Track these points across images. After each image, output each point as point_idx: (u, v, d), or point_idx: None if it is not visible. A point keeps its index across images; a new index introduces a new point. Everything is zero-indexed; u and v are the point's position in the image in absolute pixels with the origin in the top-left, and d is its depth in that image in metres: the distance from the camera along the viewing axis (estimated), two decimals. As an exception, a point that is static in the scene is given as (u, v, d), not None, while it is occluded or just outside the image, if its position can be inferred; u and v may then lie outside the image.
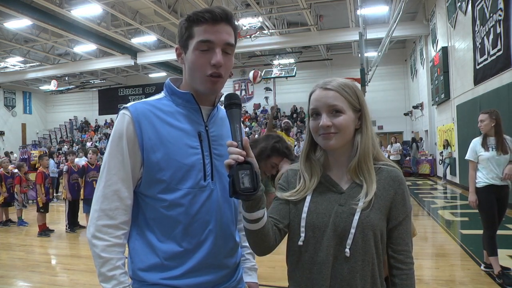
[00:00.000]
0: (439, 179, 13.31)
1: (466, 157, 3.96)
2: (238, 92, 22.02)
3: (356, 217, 1.05)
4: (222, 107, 1.26)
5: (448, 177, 12.44)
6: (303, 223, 1.09)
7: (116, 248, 1.10)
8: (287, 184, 1.18)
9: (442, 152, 13.04)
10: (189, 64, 1.14)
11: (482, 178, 3.81)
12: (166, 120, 1.14)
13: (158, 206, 1.13)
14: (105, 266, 1.07)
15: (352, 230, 1.04)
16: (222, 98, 1.18)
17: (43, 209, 6.85)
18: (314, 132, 1.12)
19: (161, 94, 1.22)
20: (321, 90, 1.10)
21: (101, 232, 1.09)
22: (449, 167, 12.36)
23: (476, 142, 3.90)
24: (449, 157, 12.23)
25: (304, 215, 1.10)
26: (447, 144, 12.37)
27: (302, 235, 1.09)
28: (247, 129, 20.46)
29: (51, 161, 10.28)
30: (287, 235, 1.17)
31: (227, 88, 20.56)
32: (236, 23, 1.18)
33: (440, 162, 13.53)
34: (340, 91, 1.09)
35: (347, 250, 1.04)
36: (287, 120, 6.06)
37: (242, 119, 1.09)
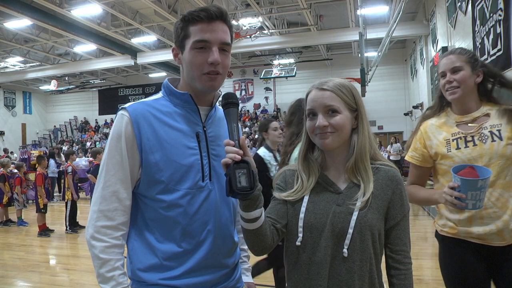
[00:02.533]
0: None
1: None
2: (238, 92, 21.99)
3: (354, 217, 1.05)
4: (220, 107, 1.27)
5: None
6: (300, 223, 1.10)
7: (115, 249, 1.10)
8: (285, 185, 1.19)
9: None
10: (187, 63, 1.15)
11: None
12: (164, 120, 1.14)
13: (157, 207, 1.13)
14: (104, 267, 1.07)
15: (350, 230, 1.05)
16: (221, 98, 1.18)
17: (44, 209, 6.86)
18: (310, 132, 1.13)
19: (159, 94, 1.22)
20: (317, 91, 1.11)
21: (99, 233, 1.09)
22: None
23: None
24: None
25: (301, 215, 1.10)
26: None
27: (300, 235, 1.09)
28: (246, 129, 20.43)
29: (52, 161, 10.24)
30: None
31: (227, 88, 20.53)
32: (231, 21, 1.19)
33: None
34: (336, 91, 1.09)
35: (345, 250, 1.05)
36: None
37: (242, 119, 1.09)
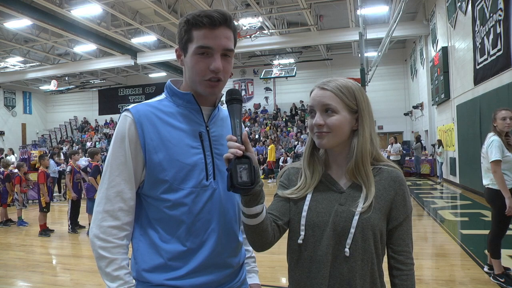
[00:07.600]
0: (438, 178, 13.34)
1: (494, 158, 3.55)
2: (238, 92, 22.01)
3: (356, 217, 1.05)
4: (223, 107, 1.27)
5: (449, 177, 12.46)
6: (303, 221, 1.10)
7: (120, 249, 1.11)
8: (288, 182, 1.19)
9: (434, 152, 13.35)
10: (189, 67, 1.16)
11: (510, 180, 3.62)
12: (167, 121, 1.15)
13: (161, 207, 1.14)
14: (110, 266, 1.08)
15: (352, 230, 1.05)
16: (223, 98, 1.19)
17: (46, 208, 6.88)
18: (310, 130, 1.14)
19: (162, 96, 1.24)
20: (318, 90, 1.12)
21: (105, 233, 1.09)
22: (444, 165, 12.60)
23: (499, 141, 3.62)
24: (439, 156, 12.56)
25: (304, 213, 1.11)
26: (439, 144, 12.55)
27: (302, 233, 1.10)
28: (246, 129, 20.44)
29: (51, 161, 10.23)
30: (286, 233, 1.17)
31: (227, 88, 20.39)
32: (235, 24, 1.18)
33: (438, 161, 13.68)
34: (335, 92, 1.10)
35: (346, 249, 1.05)
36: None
37: (242, 119, 1.09)
